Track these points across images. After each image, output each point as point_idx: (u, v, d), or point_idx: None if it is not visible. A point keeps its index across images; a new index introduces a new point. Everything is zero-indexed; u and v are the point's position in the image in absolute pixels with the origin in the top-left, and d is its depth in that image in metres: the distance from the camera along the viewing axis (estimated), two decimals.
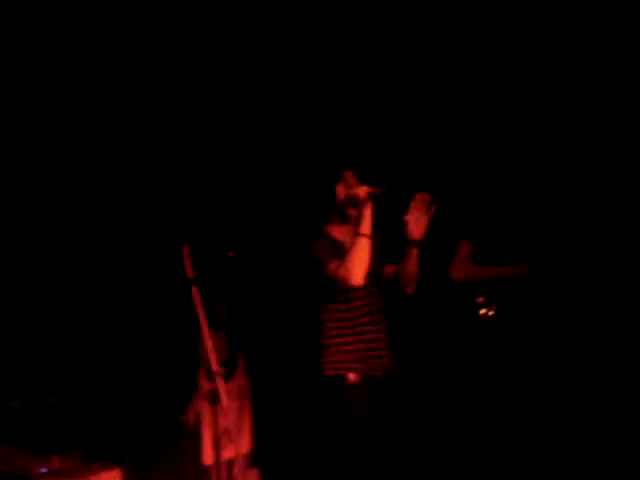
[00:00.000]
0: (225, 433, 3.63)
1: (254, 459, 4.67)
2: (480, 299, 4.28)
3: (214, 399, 3.40)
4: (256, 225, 4.86)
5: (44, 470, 3.79)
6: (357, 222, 3.31)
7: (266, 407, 4.78)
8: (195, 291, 3.35)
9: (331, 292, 3.37)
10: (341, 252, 3.34)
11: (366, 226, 3.29)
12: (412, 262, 3.43)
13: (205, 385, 4.27)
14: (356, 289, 3.34)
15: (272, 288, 4.92)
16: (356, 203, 3.33)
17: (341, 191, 3.43)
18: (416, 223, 3.38)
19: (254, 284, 4.85)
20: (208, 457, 4.30)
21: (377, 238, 3.36)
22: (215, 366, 3.35)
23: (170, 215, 4.45)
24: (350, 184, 3.42)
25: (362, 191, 3.30)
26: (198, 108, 4.57)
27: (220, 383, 3.31)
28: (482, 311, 4.27)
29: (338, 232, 3.48)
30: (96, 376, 4.62)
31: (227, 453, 4.23)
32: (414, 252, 3.42)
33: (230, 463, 4.44)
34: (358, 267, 3.25)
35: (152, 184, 4.55)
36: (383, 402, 3.38)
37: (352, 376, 3.33)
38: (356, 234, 3.29)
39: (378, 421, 3.33)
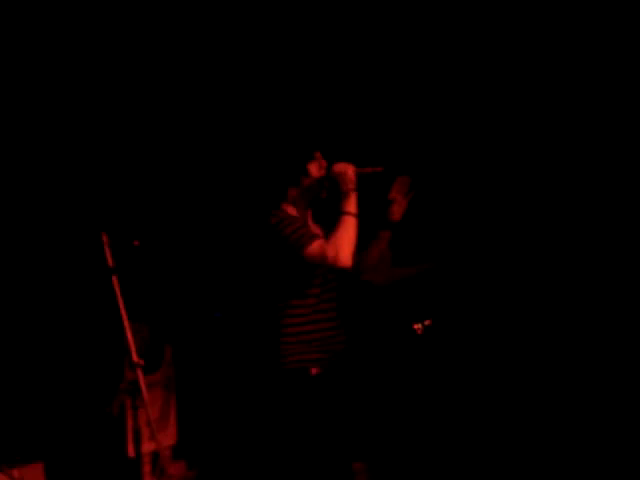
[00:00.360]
0: (148, 425, 3.57)
1: (180, 452, 4.61)
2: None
3: (134, 391, 3.34)
4: (179, 212, 4.77)
5: None
6: (344, 201, 3.19)
7: (194, 399, 4.72)
8: (115, 280, 3.28)
9: (297, 276, 3.25)
10: (313, 234, 3.22)
11: (353, 205, 3.19)
12: (383, 244, 3.41)
13: (128, 376, 4.18)
14: (328, 272, 3.26)
15: (198, 278, 4.84)
16: (341, 182, 3.21)
17: (315, 169, 3.32)
18: (398, 204, 3.38)
19: (179, 273, 4.76)
20: (131, 449, 4.22)
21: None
22: (135, 357, 3.29)
23: (89, 202, 4.35)
24: (322, 164, 3.33)
25: (351, 169, 3.22)
26: (114, 86, 4.46)
27: (140, 374, 3.25)
28: (417, 326, 4.27)
29: (295, 212, 3.36)
30: (17, 368, 4.50)
31: (150, 446, 4.15)
32: (388, 235, 3.40)
33: (155, 455, 4.37)
34: (348, 247, 3.13)
35: (68, 171, 4.42)
36: (344, 391, 3.33)
37: (314, 369, 3.25)
38: (344, 212, 3.18)
39: (340, 411, 3.28)
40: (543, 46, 4.20)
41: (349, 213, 3.17)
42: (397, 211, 3.40)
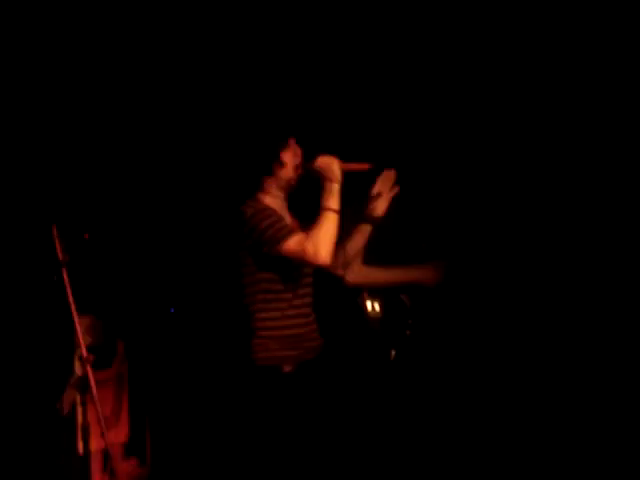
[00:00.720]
0: (98, 422, 3.51)
1: (132, 449, 4.55)
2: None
3: (83, 387, 3.29)
4: (136, 204, 4.69)
5: None
6: (326, 196, 3.09)
7: (147, 396, 4.67)
8: (65, 274, 3.22)
9: (273, 271, 3.15)
10: (291, 228, 3.12)
11: (335, 201, 3.09)
12: (362, 240, 3.35)
13: (77, 372, 4.11)
14: (305, 268, 3.18)
15: (154, 272, 4.78)
16: (325, 176, 3.11)
17: (289, 158, 3.20)
18: (382, 199, 3.31)
19: (134, 267, 4.69)
20: (80, 447, 4.14)
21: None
22: (85, 352, 3.23)
23: (39, 194, 4.26)
24: (297, 152, 3.21)
25: (336, 164, 3.11)
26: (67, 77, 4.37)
27: (90, 370, 3.20)
28: (369, 306, 4.22)
29: (271, 204, 3.23)
30: None
31: (100, 443, 4.08)
32: (368, 230, 3.35)
33: (107, 453, 4.30)
34: (328, 244, 3.03)
35: (18, 163, 4.33)
36: (315, 388, 3.25)
37: (287, 367, 3.16)
38: (326, 208, 3.07)
39: (311, 409, 3.21)
40: (529, 42, 4.17)
41: (331, 209, 3.07)
42: (380, 207, 3.33)
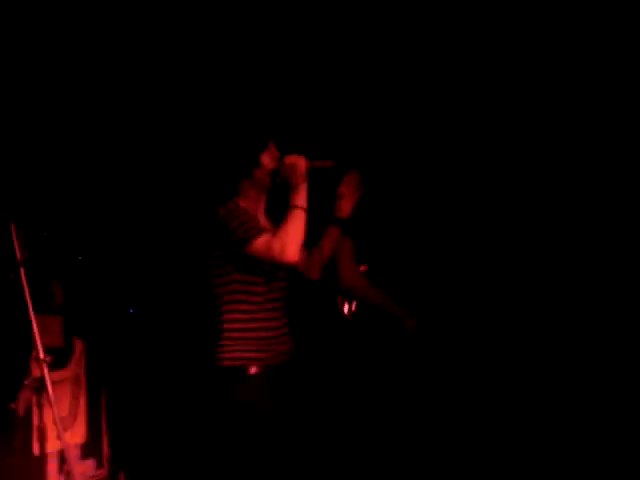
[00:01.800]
0: (54, 423, 3.45)
1: (89, 450, 4.49)
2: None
3: (39, 388, 3.23)
4: (100, 204, 4.63)
5: None
6: (293, 194, 3.10)
7: (107, 397, 4.61)
8: (23, 272, 3.16)
9: (243, 272, 3.13)
10: (260, 228, 3.11)
11: (302, 199, 3.09)
12: (330, 242, 3.34)
13: (33, 372, 4.04)
14: (276, 269, 3.15)
15: (113, 271, 4.72)
16: (291, 174, 3.12)
17: (267, 160, 3.20)
18: (346, 200, 3.30)
19: (92, 266, 4.63)
20: (36, 448, 4.08)
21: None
22: (41, 352, 3.18)
23: None
24: (276, 155, 3.22)
25: (302, 162, 3.12)
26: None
27: (46, 370, 3.15)
28: (345, 308, 4.22)
29: (247, 206, 3.24)
30: None
31: (57, 444, 4.02)
32: (336, 231, 3.33)
33: (63, 454, 4.24)
34: (295, 241, 3.02)
35: None
36: (282, 392, 3.22)
37: (253, 369, 3.12)
38: (293, 206, 3.08)
39: (278, 412, 3.17)
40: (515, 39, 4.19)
41: (298, 207, 3.08)
42: (345, 207, 3.32)
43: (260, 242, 3.05)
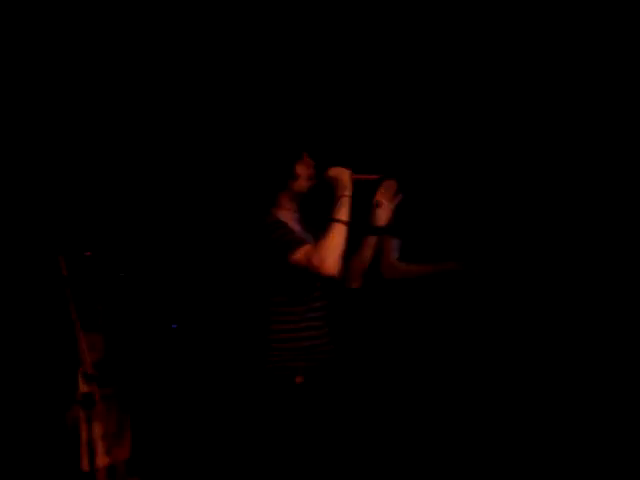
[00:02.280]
0: (102, 439, 3.50)
1: (134, 467, 4.53)
2: None
3: (89, 403, 3.27)
4: (138, 220, 4.68)
5: None
6: (335, 207, 3.11)
7: (149, 413, 4.65)
8: (68, 291, 3.21)
9: (286, 283, 3.17)
10: (300, 239, 3.13)
11: (345, 212, 3.09)
12: (369, 251, 3.34)
13: (82, 388, 4.09)
14: (317, 280, 3.16)
15: (157, 288, 4.77)
16: (335, 187, 3.13)
17: (302, 170, 3.23)
18: (384, 209, 3.32)
19: (133, 284, 4.68)
20: (85, 464, 4.12)
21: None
22: (90, 369, 3.22)
23: (42, 211, 4.25)
24: (310, 164, 3.25)
25: (346, 175, 3.14)
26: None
27: (95, 387, 3.19)
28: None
29: (284, 217, 3.26)
30: None
31: (105, 460, 4.07)
32: (374, 240, 3.34)
33: (111, 470, 4.29)
34: (334, 255, 3.02)
35: (19, 179, 4.32)
36: (327, 400, 3.24)
37: (299, 378, 3.16)
38: (333, 220, 3.08)
39: (324, 421, 3.20)
40: (533, 46, 4.19)
41: (339, 220, 3.08)
42: (382, 216, 3.33)
43: (300, 253, 3.06)
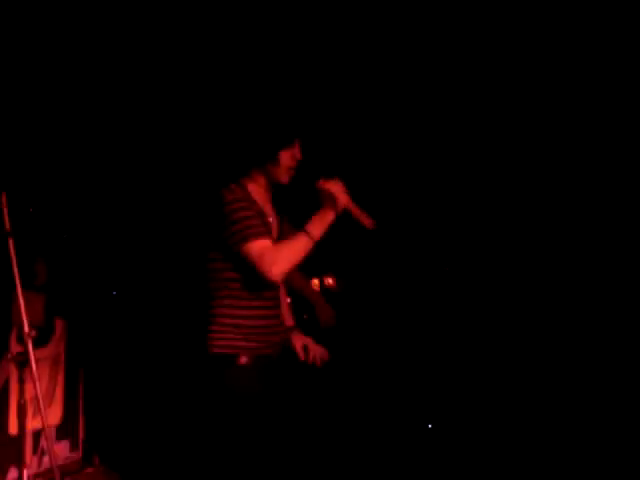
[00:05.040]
0: (33, 401, 3.38)
1: (64, 431, 4.43)
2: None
3: (22, 363, 3.16)
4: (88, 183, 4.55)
5: None
6: (314, 220, 2.92)
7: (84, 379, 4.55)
8: (11, 245, 3.08)
9: (239, 261, 2.96)
10: (260, 231, 2.92)
11: (320, 229, 2.90)
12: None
13: (15, 348, 3.96)
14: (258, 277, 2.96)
15: (99, 252, 4.65)
16: (326, 201, 2.93)
17: (286, 158, 3.03)
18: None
19: (77, 245, 4.55)
20: (13, 426, 4.00)
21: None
22: (27, 328, 3.11)
23: None
24: (295, 157, 3.05)
25: (344, 199, 2.92)
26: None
27: (31, 345, 3.07)
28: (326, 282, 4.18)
29: (253, 192, 3.07)
30: None
31: (35, 423, 3.96)
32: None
33: (38, 434, 4.17)
34: (286, 265, 2.87)
35: None
36: (273, 383, 3.10)
37: (244, 358, 2.98)
38: (305, 231, 2.91)
39: (267, 402, 3.05)
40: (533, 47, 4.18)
41: (310, 234, 2.91)
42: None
43: (255, 246, 2.90)
